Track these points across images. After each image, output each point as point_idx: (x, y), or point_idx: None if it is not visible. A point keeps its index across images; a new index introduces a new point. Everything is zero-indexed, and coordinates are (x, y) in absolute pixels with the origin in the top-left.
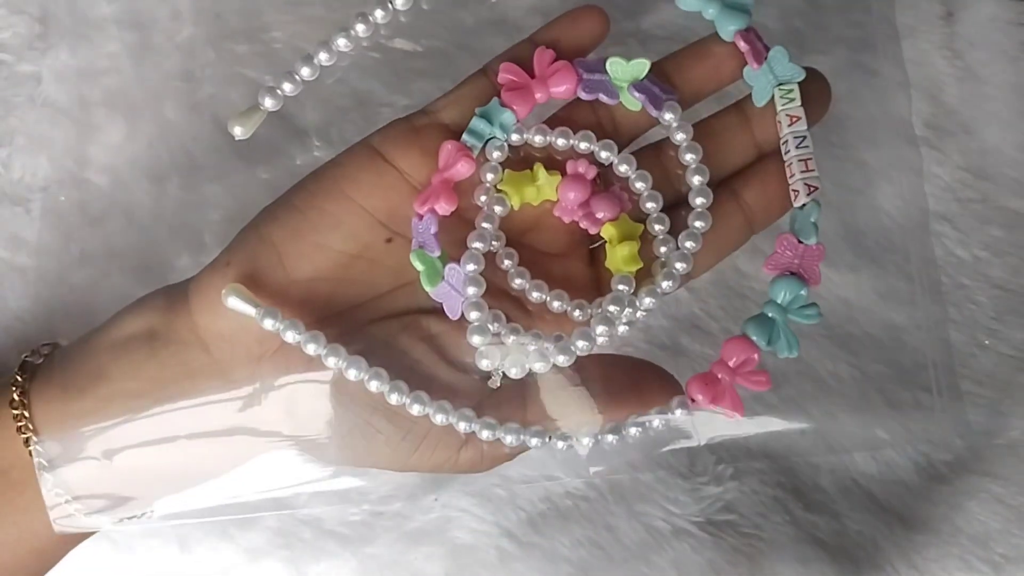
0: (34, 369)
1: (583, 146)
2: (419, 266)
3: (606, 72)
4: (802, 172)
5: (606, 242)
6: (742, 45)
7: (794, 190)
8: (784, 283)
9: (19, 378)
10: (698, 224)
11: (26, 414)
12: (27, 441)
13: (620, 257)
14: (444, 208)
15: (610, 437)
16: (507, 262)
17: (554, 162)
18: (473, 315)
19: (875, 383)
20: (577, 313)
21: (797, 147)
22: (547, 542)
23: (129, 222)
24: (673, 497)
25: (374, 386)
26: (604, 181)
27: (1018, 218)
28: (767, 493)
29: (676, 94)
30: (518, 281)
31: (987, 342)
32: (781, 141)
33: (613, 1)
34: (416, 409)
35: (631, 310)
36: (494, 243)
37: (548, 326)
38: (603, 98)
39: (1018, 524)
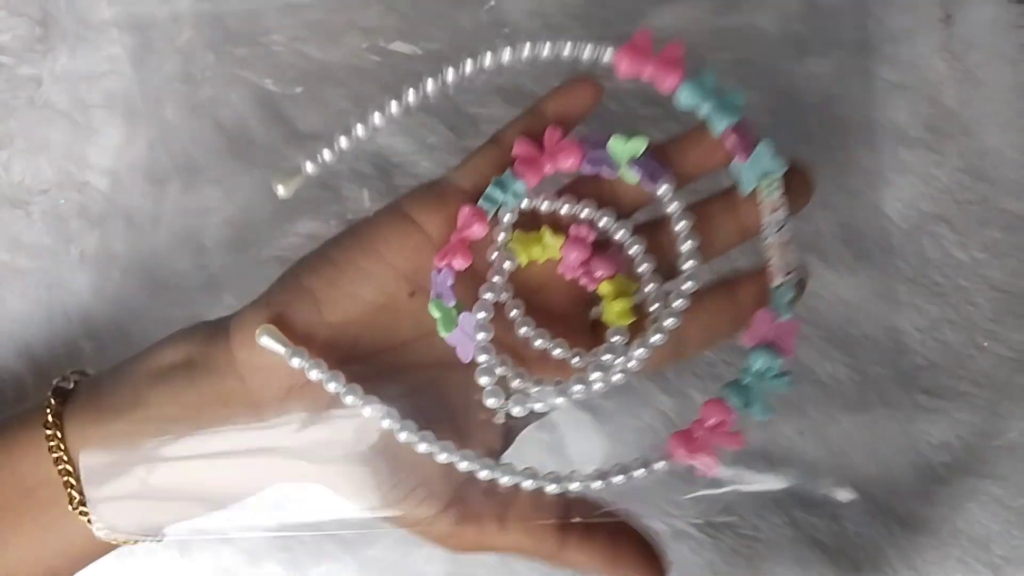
0: (66, 393)
1: (585, 212)
2: (436, 314)
3: (609, 150)
4: (780, 255)
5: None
6: (731, 140)
7: (771, 271)
8: (760, 354)
9: (52, 401)
10: (687, 284)
11: (59, 434)
12: (58, 460)
13: (615, 312)
14: (460, 263)
15: (598, 484)
16: (514, 311)
17: (559, 226)
18: (482, 358)
19: (874, 385)
20: (576, 360)
21: (776, 233)
22: None
23: (129, 225)
24: (671, 499)
25: (386, 423)
26: (603, 245)
27: (1017, 220)
28: (766, 495)
29: (672, 171)
30: (523, 329)
31: (985, 344)
32: (763, 227)
33: (613, 5)
34: (422, 448)
35: (624, 359)
36: (503, 295)
37: (550, 372)
38: (605, 171)
39: (1018, 526)
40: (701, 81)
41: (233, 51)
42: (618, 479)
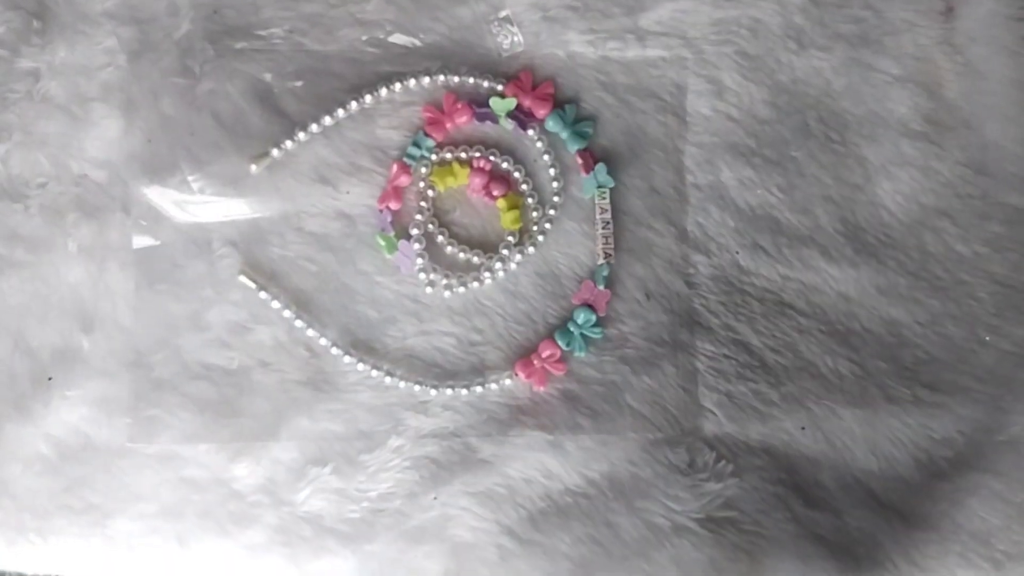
0: None
1: (479, 154)
2: (381, 243)
3: (491, 108)
4: (603, 244)
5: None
6: (579, 160)
7: (597, 254)
8: (582, 310)
9: None
10: (556, 198)
11: None
12: None
13: (508, 220)
14: (394, 205)
15: (449, 392)
16: (439, 237)
17: (463, 163)
18: (419, 263)
19: (875, 379)
20: (475, 259)
21: (603, 228)
22: (547, 540)
23: (127, 218)
24: (673, 494)
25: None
26: (496, 172)
27: (1018, 214)
28: (767, 490)
29: (536, 120)
30: (440, 239)
31: (987, 338)
32: (596, 221)
33: None
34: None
35: (520, 255)
36: (430, 225)
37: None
38: (489, 124)
39: (1019, 521)
40: (563, 114)
41: (231, 44)
42: (474, 390)
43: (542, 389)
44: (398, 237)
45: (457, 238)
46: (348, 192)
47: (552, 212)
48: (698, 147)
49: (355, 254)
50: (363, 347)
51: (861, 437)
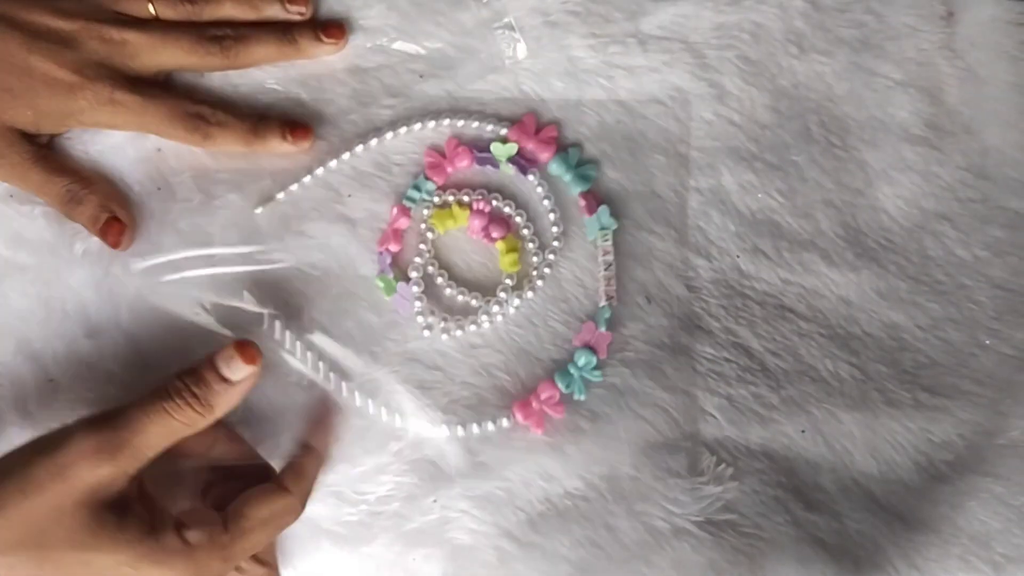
0: None
1: (480, 196)
2: (380, 284)
3: (492, 152)
4: (606, 286)
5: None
6: (582, 202)
7: (599, 295)
8: (583, 352)
9: None
10: (554, 243)
11: None
12: None
13: (507, 262)
14: (394, 247)
15: (445, 430)
16: (439, 278)
17: (464, 205)
18: (417, 305)
19: (875, 383)
20: (473, 302)
21: (605, 269)
22: (547, 542)
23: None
24: (673, 497)
25: None
26: (496, 215)
27: (1019, 218)
28: (767, 493)
29: (536, 166)
30: (439, 280)
31: (988, 342)
32: (599, 263)
33: (613, 2)
34: None
35: (519, 300)
36: (429, 267)
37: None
38: (490, 169)
39: (1019, 524)
40: (567, 157)
41: None
42: (472, 430)
43: (540, 432)
44: (397, 279)
45: (457, 280)
46: (350, 195)
47: (551, 256)
48: (700, 151)
49: (356, 259)
50: (365, 351)
51: (861, 440)
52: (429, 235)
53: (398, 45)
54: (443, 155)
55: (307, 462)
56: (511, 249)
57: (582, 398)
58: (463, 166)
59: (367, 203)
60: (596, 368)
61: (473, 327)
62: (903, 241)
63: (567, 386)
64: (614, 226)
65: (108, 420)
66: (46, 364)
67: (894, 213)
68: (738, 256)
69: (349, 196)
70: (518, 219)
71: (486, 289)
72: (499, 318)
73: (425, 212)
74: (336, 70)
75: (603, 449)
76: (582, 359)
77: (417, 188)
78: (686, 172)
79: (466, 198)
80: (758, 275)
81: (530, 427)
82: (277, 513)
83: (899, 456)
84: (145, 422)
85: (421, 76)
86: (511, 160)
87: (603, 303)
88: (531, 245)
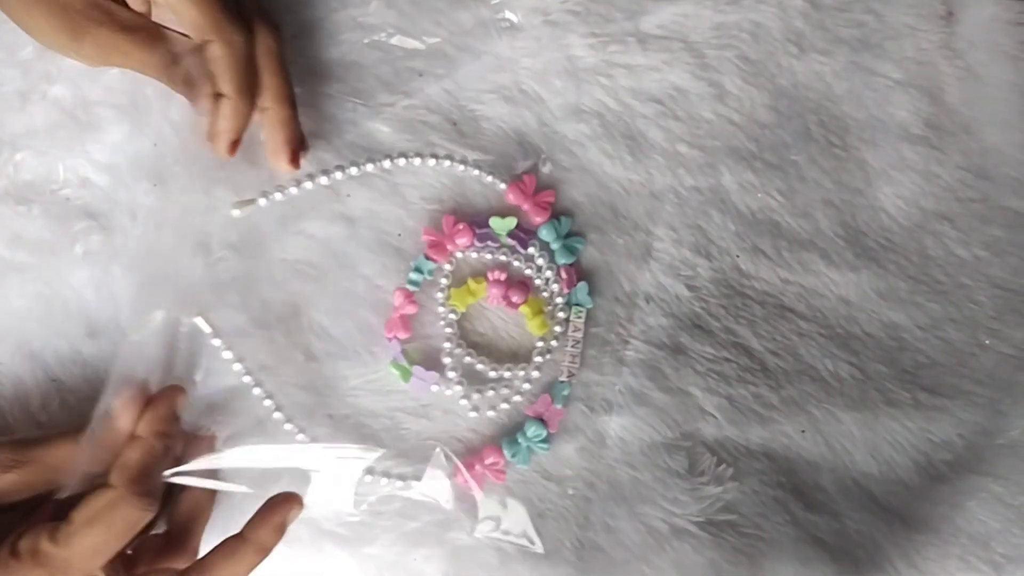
0: None
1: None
2: (395, 371)
3: (491, 227)
4: (569, 362)
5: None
6: (563, 275)
7: (560, 370)
8: (533, 423)
9: None
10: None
11: None
12: None
13: (535, 325)
14: (403, 334)
15: (368, 478)
16: (459, 350)
17: (478, 278)
18: (456, 389)
19: (875, 383)
20: (507, 374)
21: (572, 346)
22: (547, 543)
23: (132, 222)
24: (673, 497)
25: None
26: (513, 280)
27: (1018, 218)
28: (767, 493)
29: (535, 236)
30: (467, 359)
31: (987, 341)
32: (568, 338)
33: (613, 2)
34: None
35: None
36: (457, 350)
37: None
38: (490, 244)
39: (1018, 524)
40: (558, 225)
41: None
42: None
43: (479, 493)
44: (411, 363)
45: (486, 353)
46: (349, 195)
47: (580, 317)
48: (699, 151)
49: (356, 258)
50: (364, 351)
51: (861, 440)
52: (452, 316)
53: (396, 40)
54: (441, 232)
55: (129, 451)
56: (537, 312)
57: (526, 466)
58: (463, 244)
59: (367, 203)
60: (544, 441)
61: (518, 397)
62: (903, 241)
63: (513, 455)
64: (589, 305)
65: None
66: (47, 364)
67: (894, 213)
68: (738, 256)
69: (348, 196)
70: (539, 282)
71: (517, 356)
72: (526, 385)
73: (439, 295)
74: (334, 68)
75: (603, 449)
76: (531, 429)
77: (418, 270)
78: (684, 172)
79: (478, 277)
80: (758, 275)
81: (474, 486)
82: (101, 510)
83: (899, 456)
84: None
85: (420, 75)
86: (510, 234)
87: (563, 378)
88: (551, 307)
